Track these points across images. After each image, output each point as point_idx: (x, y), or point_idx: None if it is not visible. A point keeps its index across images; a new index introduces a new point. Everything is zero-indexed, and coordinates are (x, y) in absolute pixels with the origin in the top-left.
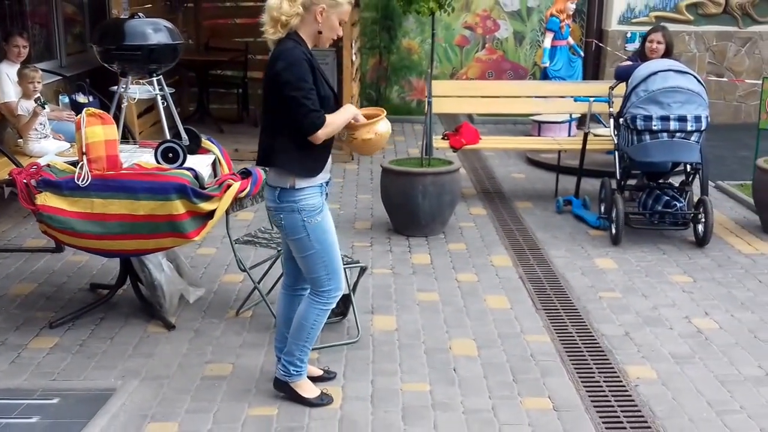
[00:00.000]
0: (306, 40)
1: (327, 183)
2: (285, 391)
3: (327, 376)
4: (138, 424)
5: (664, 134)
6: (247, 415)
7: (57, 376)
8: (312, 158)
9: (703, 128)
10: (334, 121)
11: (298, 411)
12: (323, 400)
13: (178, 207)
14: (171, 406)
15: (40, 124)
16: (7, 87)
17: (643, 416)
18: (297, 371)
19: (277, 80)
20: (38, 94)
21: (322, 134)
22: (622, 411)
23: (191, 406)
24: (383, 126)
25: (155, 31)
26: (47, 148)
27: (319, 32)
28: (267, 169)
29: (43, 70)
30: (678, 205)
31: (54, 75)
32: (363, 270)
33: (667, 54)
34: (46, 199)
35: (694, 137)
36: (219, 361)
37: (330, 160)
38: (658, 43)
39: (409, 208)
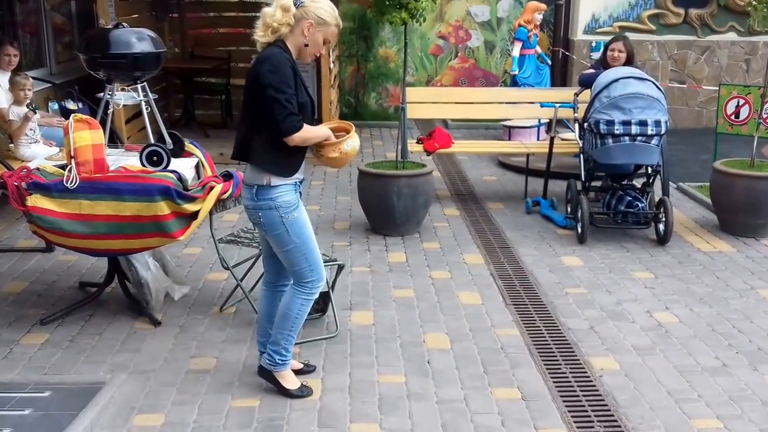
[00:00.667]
0: (291, 50)
1: (300, 182)
2: (268, 379)
3: (307, 369)
4: (126, 415)
5: (626, 138)
6: (231, 407)
7: (48, 371)
8: (287, 158)
9: (662, 132)
10: (310, 132)
11: (280, 402)
12: (303, 392)
13: (163, 208)
14: (157, 399)
15: (31, 129)
16: None
17: (606, 405)
18: (282, 360)
19: (260, 81)
20: (29, 101)
21: (297, 138)
22: (587, 400)
23: (177, 398)
24: (349, 144)
25: (139, 40)
26: (38, 153)
27: (306, 45)
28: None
29: (33, 77)
30: (640, 205)
31: (44, 82)
32: (341, 268)
33: (629, 62)
34: (36, 201)
35: (654, 141)
36: (203, 356)
37: (304, 161)
38: (620, 51)
39: (385, 208)
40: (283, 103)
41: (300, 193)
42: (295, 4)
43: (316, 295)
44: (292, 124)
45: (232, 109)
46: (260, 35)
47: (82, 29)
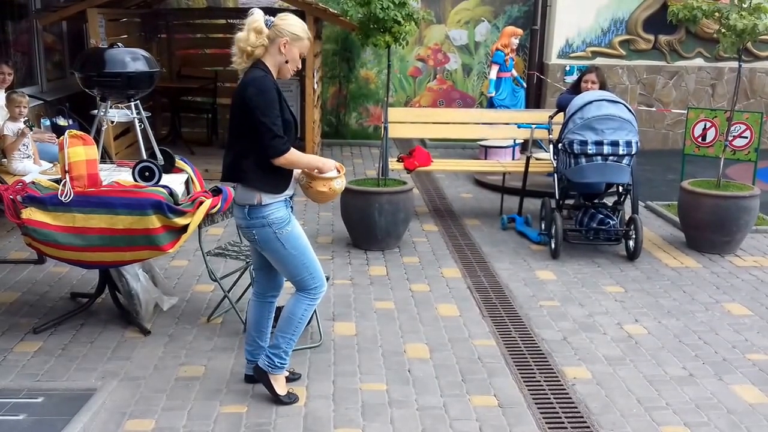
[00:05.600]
0: (271, 70)
1: (291, 197)
2: (263, 380)
3: (292, 377)
4: (117, 420)
5: (599, 158)
6: (219, 413)
7: (41, 377)
8: (276, 176)
9: (633, 152)
10: (295, 156)
11: (266, 408)
12: (290, 398)
13: (154, 222)
14: (148, 405)
15: (24, 144)
16: None
17: (579, 412)
18: (281, 363)
19: (247, 105)
20: (25, 117)
21: (283, 161)
22: (560, 408)
23: (167, 404)
24: (338, 183)
25: (133, 60)
26: (30, 168)
27: (286, 62)
28: (235, 186)
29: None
30: (611, 222)
31: (36, 99)
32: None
33: (601, 90)
34: (31, 214)
35: (625, 160)
36: (192, 364)
37: (293, 178)
38: (593, 83)
39: (367, 224)
40: (269, 125)
41: (292, 207)
42: (266, 25)
43: (319, 300)
44: (278, 147)
45: (217, 128)
46: (238, 62)
47: (72, 49)
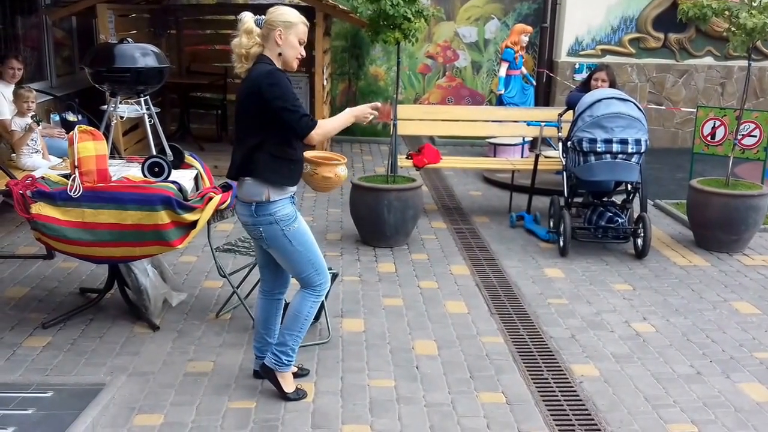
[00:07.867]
0: (275, 62)
1: (293, 195)
2: (270, 378)
3: (301, 373)
4: (126, 415)
5: (608, 156)
6: (228, 408)
7: (50, 372)
8: (288, 169)
9: (642, 150)
10: (332, 123)
11: (275, 404)
12: (298, 395)
13: (164, 217)
14: (157, 399)
15: (32, 139)
16: (2, 106)
17: (587, 410)
18: (288, 361)
19: (263, 97)
20: (33, 112)
21: (316, 135)
22: (568, 405)
23: (176, 400)
24: (342, 170)
25: (143, 55)
26: (38, 162)
27: (279, 54)
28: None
29: (35, 90)
30: (620, 220)
31: (45, 95)
32: (334, 276)
33: (611, 88)
34: (41, 209)
35: (634, 159)
36: (201, 359)
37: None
38: (603, 81)
39: (376, 221)
40: (291, 108)
41: (294, 204)
42: (257, 25)
43: (324, 296)
44: (307, 124)
45: (227, 124)
46: (239, 67)
47: (81, 44)
